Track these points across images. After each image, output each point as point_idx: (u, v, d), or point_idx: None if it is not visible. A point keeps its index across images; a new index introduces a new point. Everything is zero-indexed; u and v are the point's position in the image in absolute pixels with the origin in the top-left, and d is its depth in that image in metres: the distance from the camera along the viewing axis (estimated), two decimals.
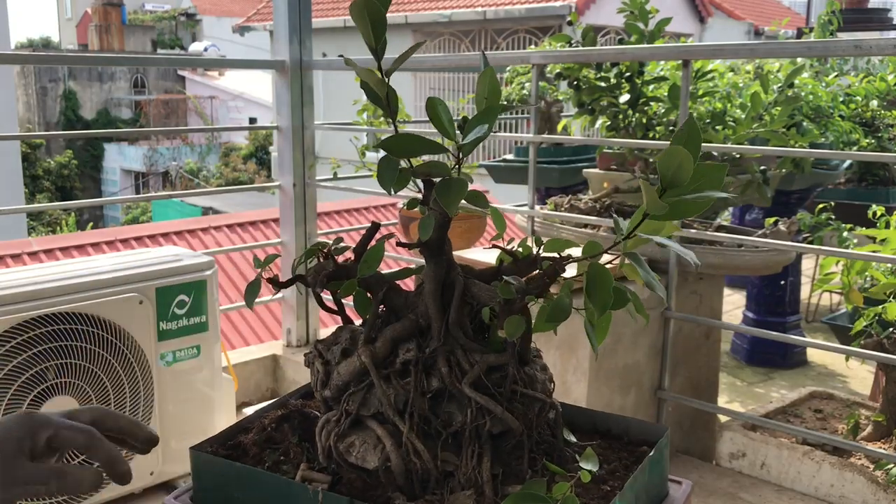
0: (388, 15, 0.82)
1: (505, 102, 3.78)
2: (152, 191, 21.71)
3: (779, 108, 2.71)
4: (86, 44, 28.10)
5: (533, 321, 0.87)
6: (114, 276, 2.03)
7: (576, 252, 0.87)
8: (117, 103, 24.49)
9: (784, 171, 3.25)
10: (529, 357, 0.93)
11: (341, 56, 1.07)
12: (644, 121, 2.80)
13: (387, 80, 0.83)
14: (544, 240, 0.90)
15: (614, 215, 0.91)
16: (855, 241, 2.80)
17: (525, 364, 0.92)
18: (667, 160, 0.72)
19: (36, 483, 0.82)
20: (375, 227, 0.96)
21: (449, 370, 0.87)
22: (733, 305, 5.51)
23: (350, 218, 7.51)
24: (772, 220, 2.52)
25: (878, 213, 2.55)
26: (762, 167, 2.82)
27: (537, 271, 0.89)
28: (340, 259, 0.96)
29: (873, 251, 2.24)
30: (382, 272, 0.94)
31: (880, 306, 2.27)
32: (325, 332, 3.18)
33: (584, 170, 3.38)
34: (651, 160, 2.87)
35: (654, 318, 2.36)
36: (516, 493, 0.77)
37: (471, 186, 0.83)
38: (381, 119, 3.20)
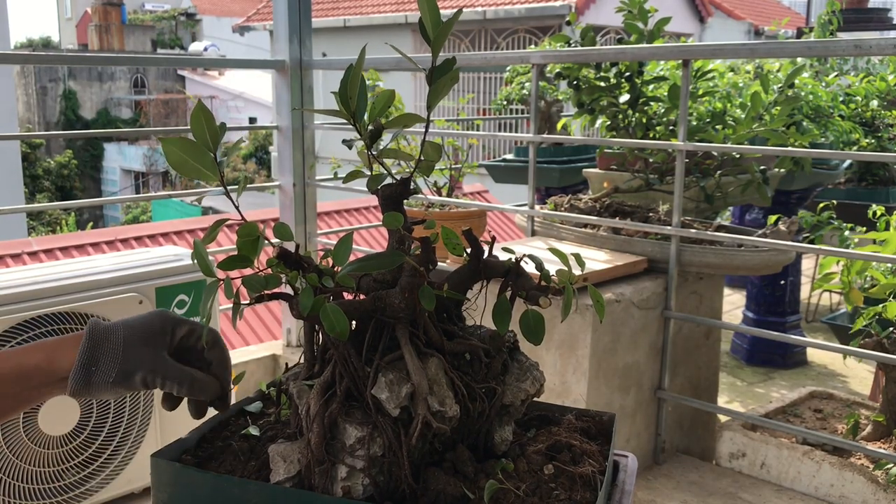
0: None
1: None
2: (152, 190, 21.70)
3: (779, 108, 2.71)
4: (86, 44, 28.09)
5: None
6: (114, 276, 2.03)
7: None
8: (117, 103, 24.49)
9: (784, 170, 3.25)
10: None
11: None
12: (644, 121, 2.80)
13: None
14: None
15: None
16: (856, 240, 2.80)
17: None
18: None
19: (173, 380, 0.86)
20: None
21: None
22: (733, 305, 5.51)
23: (350, 218, 7.51)
24: (772, 219, 2.51)
25: (878, 213, 2.55)
26: (762, 167, 2.82)
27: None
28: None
29: (873, 251, 2.24)
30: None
31: (880, 306, 2.26)
32: None
33: (584, 170, 3.38)
34: (651, 160, 2.87)
35: (653, 317, 2.36)
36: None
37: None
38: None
